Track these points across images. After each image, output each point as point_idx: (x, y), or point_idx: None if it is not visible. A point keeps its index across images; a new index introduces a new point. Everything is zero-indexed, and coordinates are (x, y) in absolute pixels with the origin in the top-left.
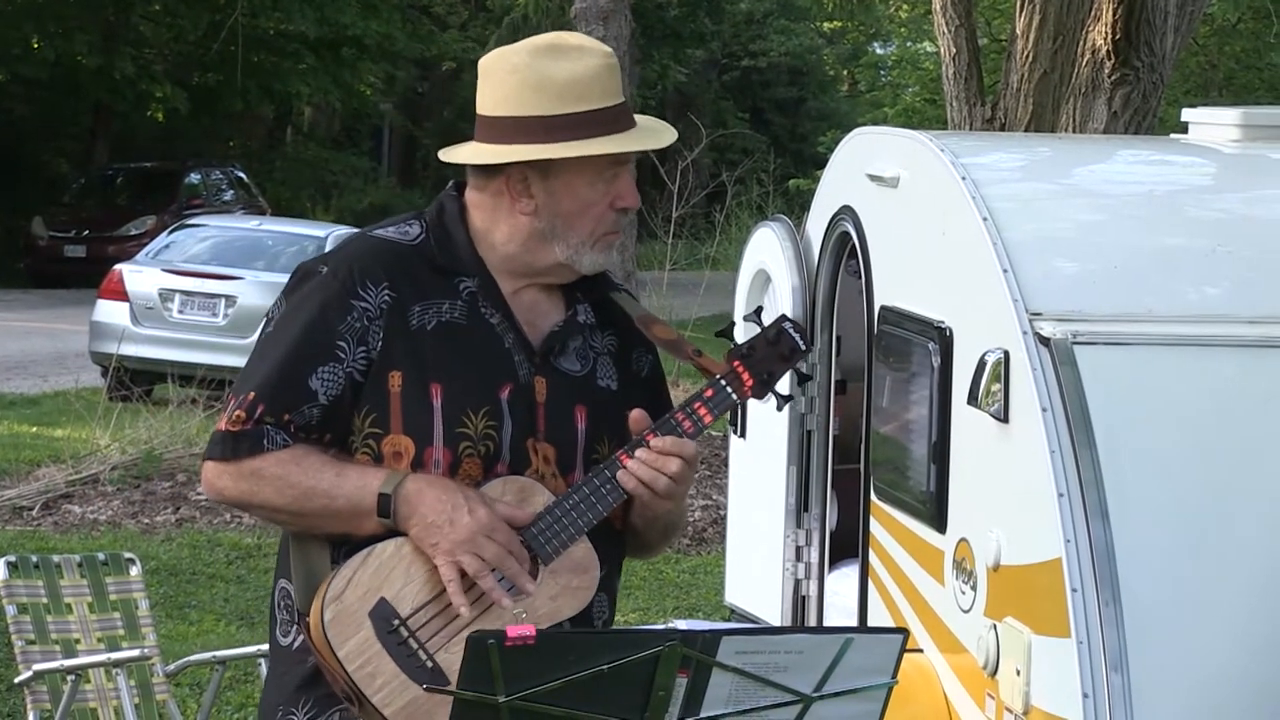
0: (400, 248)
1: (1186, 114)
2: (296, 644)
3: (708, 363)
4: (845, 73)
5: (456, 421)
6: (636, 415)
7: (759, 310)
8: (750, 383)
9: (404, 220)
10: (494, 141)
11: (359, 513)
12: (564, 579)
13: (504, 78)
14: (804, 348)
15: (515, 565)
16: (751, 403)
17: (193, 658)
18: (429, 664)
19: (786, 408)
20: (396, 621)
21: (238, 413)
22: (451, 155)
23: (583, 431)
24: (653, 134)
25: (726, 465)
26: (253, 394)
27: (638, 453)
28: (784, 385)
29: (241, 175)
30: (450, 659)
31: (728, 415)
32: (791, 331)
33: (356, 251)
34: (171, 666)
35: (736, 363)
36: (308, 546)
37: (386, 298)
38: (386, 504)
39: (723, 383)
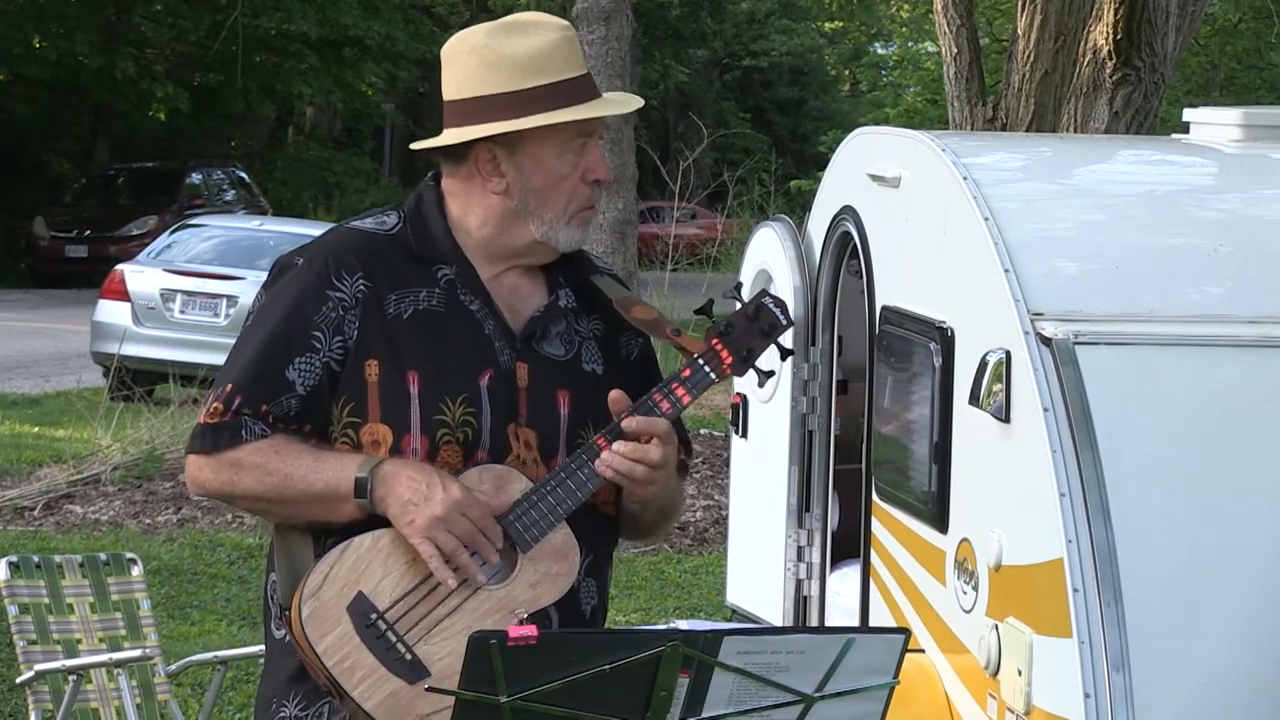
0: (377, 238)
1: (1188, 114)
2: (288, 637)
3: (686, 341)
4: (846, 73)
5: (433, 409)
6: (615, 396)
7: (738, 286)
8: (729, 360)
9: (382, 211)
10: (461, 125)
11: (337, 497)
12: (544, 566)
13: (464, 60)
14: (784, 323)
15: (483, 540)
16: (753, 401)
17: (194, 658)
18: (408, 656)
19: (788, 406)
20: (374, 615)
21: (216, 405)
22: (420, 144)
23: (565, 416)
24: (617, 103)
25: (728, 465)
26: (230, 386)
27: (615, 444)
28: (771, 363)
29: (243, 175)
30: (429, 650)
31: (730, 415)
32: (772, 306)
33: (331, 243)
34: (173, 666)
35: (715, 340)
36: (290, 539)
37: (362, 287)
38: (363, 486)
39: (700, 362)
